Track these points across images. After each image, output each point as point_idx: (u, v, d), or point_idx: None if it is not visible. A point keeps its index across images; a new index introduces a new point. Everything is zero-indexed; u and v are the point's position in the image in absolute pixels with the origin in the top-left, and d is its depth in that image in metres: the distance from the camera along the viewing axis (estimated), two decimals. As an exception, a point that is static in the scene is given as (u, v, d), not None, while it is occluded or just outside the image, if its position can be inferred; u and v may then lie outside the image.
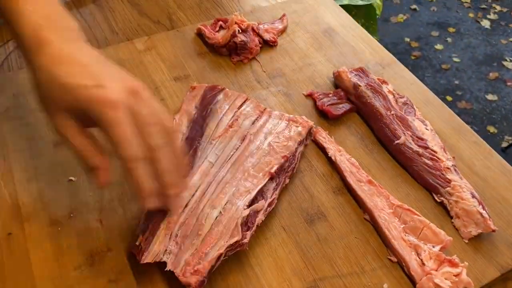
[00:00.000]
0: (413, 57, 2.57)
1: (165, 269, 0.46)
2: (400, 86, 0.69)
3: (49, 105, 0.46)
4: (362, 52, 0.75)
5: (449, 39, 2.65)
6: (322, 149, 0.60)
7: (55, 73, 0.44)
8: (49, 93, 0.45)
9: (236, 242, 0.47)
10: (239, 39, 0.71)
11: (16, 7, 0.46)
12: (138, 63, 0.71)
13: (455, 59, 2.55)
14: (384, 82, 0.68)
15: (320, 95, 0.66)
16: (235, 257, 0.50)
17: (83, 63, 0.45)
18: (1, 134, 0.61)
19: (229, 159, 0.55)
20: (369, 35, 0.78)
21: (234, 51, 0.72)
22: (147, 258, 0.47)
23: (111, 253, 0.50)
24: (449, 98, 2.33)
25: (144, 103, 0.44)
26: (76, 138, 0.45)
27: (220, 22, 0.76)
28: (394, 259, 0.51)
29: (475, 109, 2.26)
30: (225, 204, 0.51)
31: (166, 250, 0.48)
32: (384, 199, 0.55)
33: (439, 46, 2.62)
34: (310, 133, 0.60)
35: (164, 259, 0.47)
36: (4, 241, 0.51)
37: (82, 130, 0.45)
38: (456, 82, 2.43)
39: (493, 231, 0.52)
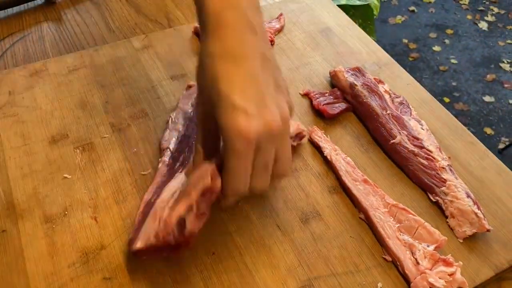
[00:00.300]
0: (411, 59, 2.58)
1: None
2: (396, 86, 0.69)
3: (201, 93, 0.44)
4: (359, 52, 0.75)
5: (447, 41, 2.66)
6: (318, 148, 0.60)
7: (219, 72, 0.40)
8: (204, 86, 0.42)
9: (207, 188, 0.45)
10: (236, 38, 0.71)
11: None
12: (135, 61, 0.71)
13: (453, 61, 2.56)
14: (380, 81, 0.68)
15: (316, 94, 0.66)
16: (229, 256, 0.50)
17: (249, 73, 0.41)
18: (-4, 131, 0.61)
19: None
20: (366, 35, 0.78)
21: (231, 50, 0.72)
22: (137, 244, 0.46)
23: (106, 251, 0.50)
24: (446, 99, 2.34)
25: (275, 145, 0.42)
26: (208, 134, 0.45)
27: (217, 21, 0.76)
28: (389, 258, 0.51)
29: (472, 110, 2.26)
30: None
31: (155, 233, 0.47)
32: (379, 198, 0.55)
33: (437, 48, 2.63)
34: (298, 136, 0.59)
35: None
36: (-2, 238, 0.51)
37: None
38: (454, 83, 2.43)
39: (488, 231, 0.52)
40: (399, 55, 2.58)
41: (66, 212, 0.53)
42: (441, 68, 2.54)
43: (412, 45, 2.64)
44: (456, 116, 0.66)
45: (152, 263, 0.49)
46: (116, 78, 0.68)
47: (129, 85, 0.67)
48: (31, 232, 0.51)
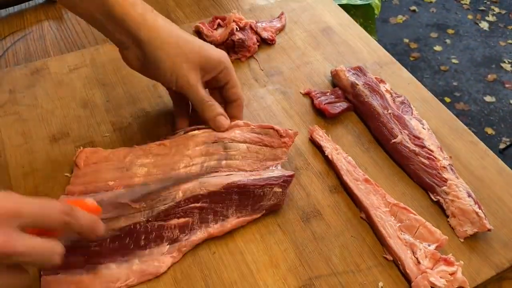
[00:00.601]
0: (412, 58, 2.58)
1: None
2: (397, 86, 0.69)
3: None
4: (360, 51, 0.75)
5: (448, 41, 2.66)
6: (319, 148, 0.60)
7: None
8: None
9: None
10: (237, 37, 0.71)
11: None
12: (136, 60, 0.71)
13: (454, 61, 2.55)
14: (381, 81, 0.68)
15: (317, 93, 0.66)
16: (230, 255, 0.50)
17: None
18: (-3, 130, 0.61)
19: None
20: (367, 34, 0.78)
21: (232, 49, 0.72)
22: None
23: (106, 249, 0.50)
24: (447, 99, 2.34)
25: None
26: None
27: (218, 20, 0.76)
28: (390, 258, 0.51)
29: (473, 110, 2.26)
30: None
31: None
32: (380, 198, 0.55)
33: (438, 48, 2.62)
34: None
35: None
36: (-1, 236, 0.50)
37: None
38: (455, 83, 2.43)
39: (489, 230, 0.52)
40: (400, 54, 2.58)
41: (67, 211, 0.53)
42: (442, 68, 2.54)
43: (413, 45, 2.63)
44: (457, 116, 0.66)
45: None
46: (117, 77, 0.68)
47: (130, 83, 0.67)
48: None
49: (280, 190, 0.52)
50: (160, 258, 0.48)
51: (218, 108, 0.56)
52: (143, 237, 0.48)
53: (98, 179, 0.53)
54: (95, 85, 0.67)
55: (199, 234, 0.50)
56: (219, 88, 0.58)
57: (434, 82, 2.45)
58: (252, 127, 0.56)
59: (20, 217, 0.36)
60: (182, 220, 0.49)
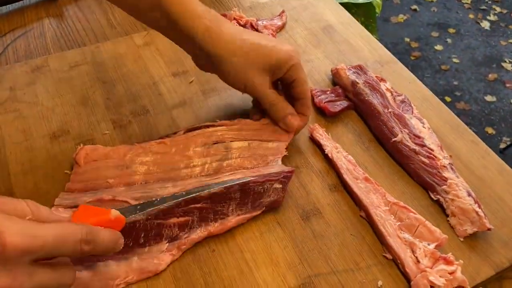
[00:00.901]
0: (412, 58, 2.57)
1: None
2: (398, 85, 0.69)
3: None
4: (361, 50, 0.75)
5: (449, 40, 2.65)
6: (319, 146, 0.60)
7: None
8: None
9: None
10: (238, 35, 0.71)
11: None
12: (137, 58, 0.71)
13: (455, 60, 2.55)
14: (382, 80, 0.68)
15: (317, 92, 0.66)
16: (229, 253, 0.50)
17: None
18: (-3, 127, 0.61)
19: None
20: (368, 33, 0.78)
21: (233, 47, 0.72)
22: None
23: (106, 247, 0.50)
24: (448, 99, 2.33)
25: None
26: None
27: (219, 18, 0.75)
28: (389, 256, 0.51)
29: (473, 110, 2.26)
30: None
31: None
32: (380, 197, 0.55)
33: (439, 47, 2.62)
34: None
35: None
36: (-1, 233, 0.50)
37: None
38: (455, 83, 2.43)
39: (489, 229, 0.52)
40: (401, 53, 2.57)
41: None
42: (443, 67, 2.54)
43: (414, 44, 2.63)
44: (457, 116, 0.66)
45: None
46: (118, 75, 0.68)
47: (130, 81, 0.67)
48: (32, 228, 0.51)
49: (280, 186, 0.52)
50: (159, 256, 0.48)
51: (287, 109, 0.56)
52: (142, 235, 0.48)
53: (98, 176, 0.53)
54: (96, 82, 0.67)
55: (199, 233, 0.50)
56: (287, 84, 0.58)
57: (435, 81, 2.44)
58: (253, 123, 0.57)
59: (31, 254, 0.33)
60: (182, 219, 0.49)
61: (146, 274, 0.48)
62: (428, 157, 0.58)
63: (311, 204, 0.55)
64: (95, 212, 0.41)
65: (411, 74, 0.72)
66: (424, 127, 0.62)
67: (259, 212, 0.52)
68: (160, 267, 0.48)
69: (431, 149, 0.59)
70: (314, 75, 0.71)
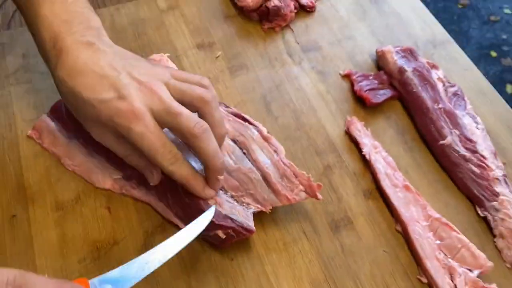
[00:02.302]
0: (460, 6, 2.36)
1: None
2: (451, 71, 0.61)
3: (80, 117, 0.46)
4: (411, 25, 0.66)
5: (502, -12, 2.42)
6: (356, 143, 0.54)
7: (75, 87, 0.43)
8: (75, 107, 0.45)
9: None
10: (272, 4, 0.63)
11: (36, 13, 0.46)
12: (159, 25, 0.64)
13: (506, 11, 2.33)
14: (434, 66, 0.59)
15: (359, 77, 0.59)
16: (249, 263, 0.46)
17: (100, 72, 0.43)
18: (9, 100, 0.56)
19: None
20: (422, 5, 0.68)
21: (266, 17, 0.64)
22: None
23: (118, 247, 0.47)
24: (493, 53, 2.15)
25: (162, 102, 0.42)
26: (116, 147, 0.46)
27: (253, -19, 0.67)
28: (425, 280, 0.46)
29: (520, 67, 2.09)
30: None
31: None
32: (421, 209, 0.49)
33: (490, -6, 2.40)
34: None
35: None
36: (8, 223, 0.48)
37: (120, 138, 0.44)
38: (504, 36, 2.23)
39: (542, 258, 0.46)
40: (448, 1, 2.37)
41: (79, 199, 0.50)
42: (492, 18, 2.33)
43: (463, -9, 2.41)
44: (502, 73, 0.57)
45: (167, 266, 0.46)
46: (138, 44, 0.62)
47: (151, 53, 0.61)
48: (42, 220, 0.48)
49: (224, 237, 0.45)
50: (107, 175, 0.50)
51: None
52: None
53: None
54: (114, 52, 0.61)
55: (142, 194, 0.49)
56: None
57: (481, 33, 2.25)
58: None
59: None
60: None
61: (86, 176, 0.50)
62: (479, 166, 0.51)
63: (342, 212, 0.50)
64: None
65: (468, 59, 0.63)
66: (477, 128, 0.54)
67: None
68: (99, 182, 0.50)
69: (484, 157, 0.52)
70: (356, 54, 0.62)
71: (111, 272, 0.37)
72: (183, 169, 0.43)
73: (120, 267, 0.38)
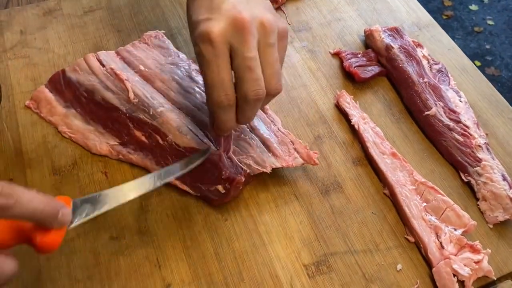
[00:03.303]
0: (444, 17, 2.43)
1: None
2: (435, 51, 0.63)
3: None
4: (398, 9, 0.69)
5: (485, 0, 2.49)
6: (345, 115, 0.56)
7: (188, 11, 0.43)
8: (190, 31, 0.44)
9: None
10: (265, -14, 0.65)
11: None
12: (154, 5, 0.66)
13: (489, 22, 2.40)
14: (419, 45, 0.62)
15: (347, 54, 0.61)
16: (242, 224, 0.48)
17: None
18: (7, 73, 0.58)
19: None
20: (407, -9, 0.71)
21: None
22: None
23: (114, 211, 0.47)
24: (477, 63, 2.21)
25: (246, 41, 0.40)
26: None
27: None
28: (412, 239, 0.48)
29: (503, 76, 2.15)
30: None
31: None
32: (407, 174, 0.51)
33: (473, 7, 2.46)
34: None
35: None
36: (5, 187, 0.49)
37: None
38: (487, 46, 2.30)
39: (522, 218, 0.48)
40: (433, 12, 2.42)
41: (76, 164, 0.51)
42: (476, 29, 2.39)
43: (448, 2, 2.48)
44: None
45: (163, 226, 0.47)
46: (133, 23, 0.64)
47: (146, 31, 0.62)
48: (39, 183, 0.49)
49: (223, 192, 0.46)
50: (104, 142, 0.51)
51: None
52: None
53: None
54: (110, 30, 0.63)
55: (139, 158, 0.50)
56: None
57: (465, 43, 2.31)
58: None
59: None
60: (141, 137, 0.50)
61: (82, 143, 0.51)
62: (462, 135, 0.54)
63: (331, 177, 0.51)
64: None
65: (451, 40, 0.66)
66: (460, 101, 0.57)
67: (196, 194, 0.48)
68: (95, 148, 0.51)
69: (467, 126, 0.54)
70: (345, 35, 0.65)
71: (92, 194, 0.38)
72: (228, 116, 0.42)
73: (104, 190, 0.39)
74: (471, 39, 2.34)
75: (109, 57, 0.56)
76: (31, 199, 0.30)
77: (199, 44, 0.40)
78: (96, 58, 0.56)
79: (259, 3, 0.42)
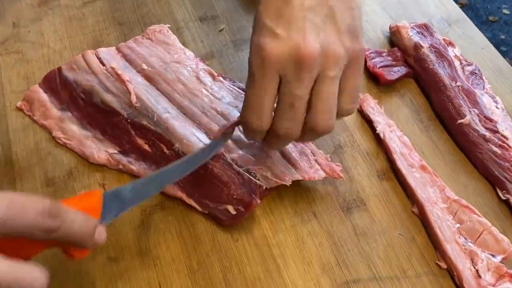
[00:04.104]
0: (459, 5, 2.34)
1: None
2: (468, 50, 0.58)
3: None
4: (425, 3, 0.63)
5: (503, -12, 2.40)
6: (369, 122, 0.51)
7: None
8: None
9: None
10: (280, -24, 0.59)
11: None
12: (160, -4, 0.61)
13: (505, 11, 2.32)
14: (450, 44, 0.56)
15: (371, 53, 0.55)
16: (254, 245, 0.43)
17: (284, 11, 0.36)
18: (-3, 70, 0.53)
19: None
20: (435, -18, 0.65)
21: (273, -10, 0.60)
22: None
23: (113, 227, 0.43)
24: (493, 53, 2.14)
25: (306, 81, 0.36)
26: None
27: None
28: (444, 266, 0.42)
29: (520, 68, 2.08)
30: None
31: None
32: (438, 190, 0.46)
33: (489, -5, 2.38)
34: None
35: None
36: (-7, 199, 0.44)
37: None
38: (502, 36, 2.21)
39: None
40: (448, 0, 2.34)
41: (71, 175, 0.46)
42: (491, 18, 2.31)
43: (463, -10, 2.39)
44: None
45: (166, 246, 0.42)
46: (137, 16, 0.58)
47: (150, 24, 0.57)
48: (30, 196, 0.44)
49: (234, 213, 0.42)
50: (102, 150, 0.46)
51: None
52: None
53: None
54: (111, 23, 0.57)
55: (142, 169, 0.45)
56: None
57: (479, 33, 2.24)
58: None
59: None
60: (144, 146, 0.46)
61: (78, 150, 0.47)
62: (500, 146, 0.48)
63: (354, 193, 0.46)
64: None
65: (484, 37, 0.60)
66: (497, 108, 0.51)
67: (204, 211, 0.44)
68: (93, 157, 0.46)
69: (505, 137, 0.49)
70: (369, 31, 0.59)
71: (120, 187, 0.35)
72: (254, 137, 0.40)
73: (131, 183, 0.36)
74: (485, 29, 2.26)
75: (110, 55, 0.51)
76: (73, 220, 0.29)
77: (252, 53, 0.36)
78: (96, 56, 0.51)
79: (341, 16, 0.36)
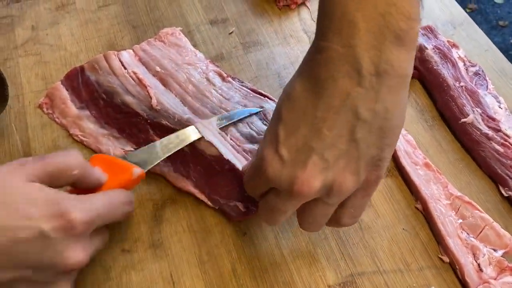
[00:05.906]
0: (468, 10, 2.34)
1: None
2: (471, 52, 0.59)
3: None
4: (430, 6, 0.64)
5: (513, -7, 2.40)
6: (374, 121, 0.52)
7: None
8: None
9: None
10: (288, -19, 0.61)
11: None
12: (172, 0, 0.63)
13: (515, 16, 2.32)
14: (454, 45, 0.57)
15: (376, 55, 0.57)
16: (262, 239, 0.44)
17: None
18: (17, 71, 0.55)
19: None
20: (440, -14, 0.66)
21: (281, -6, 0.62)
22: None
23: (127, 220, 0.45)
24: (502, 58, 2.14)
25: (288, 200, 0.35)
26: None
27: (268, -42, 0.65)
28: (446, 260, 0.44)
29: (531, 74, 2.07)
30: None
31: None
32: (441, 187, 0.47)
33: (499, 0, 2.38)
34: None
35: None
36: (13, 193, 0.46)
37: None
38: (512, 41, 2.22)
39: None
40: (457, 5, 2.35)
41: (87, 171, 0.48)
42: (501, 23, 2.31)
43: (473, -5, 2.39)
44: None
45: (177, 239, 0.44)
46: (150, 19, 0.60)
47: (163, 27, 0.59)
48: (48, 190, 0.46)
49: (244, 210, 0.43)
50: (118, 147, 0.49)
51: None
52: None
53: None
54: (125, 26, 0.60)
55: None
56: None
57: (489, 38, 2.22)
58: None
59: (93, 225, 0.35)
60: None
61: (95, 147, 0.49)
62: (502, 145, 0.49)
63: (359, 189, 0.48)
64: (115, 167, 0.40)
65: (488, 39, 0.61)
66: (500, 107, 0.53)
67: (214, 206, 0.45)
68: (109, 154, 0.48)
69: (507, 136, 0.50)
70: (374, 34, 0.61)
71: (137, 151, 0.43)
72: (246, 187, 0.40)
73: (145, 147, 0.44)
74: (495, 33, 2.26)
75: (131, 59, 0.53)
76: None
77: (258, 154, 0.36)
78: (118, 58, 0.52)
79: (365, 149, 0.33)
